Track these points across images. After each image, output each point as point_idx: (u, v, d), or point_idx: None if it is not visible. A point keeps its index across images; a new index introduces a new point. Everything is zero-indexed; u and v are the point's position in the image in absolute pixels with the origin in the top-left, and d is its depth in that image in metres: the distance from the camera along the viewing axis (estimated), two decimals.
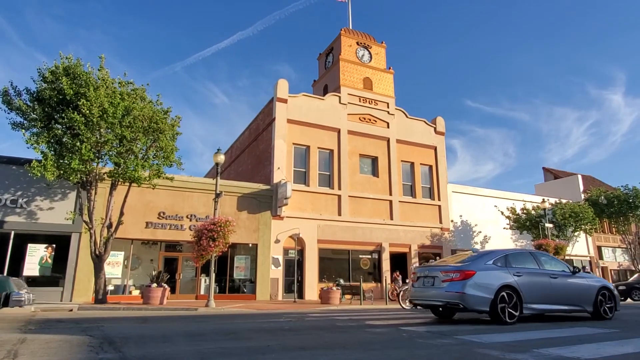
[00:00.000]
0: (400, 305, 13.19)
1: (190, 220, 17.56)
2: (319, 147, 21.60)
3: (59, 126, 13.22)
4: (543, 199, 25.07)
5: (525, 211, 25.31)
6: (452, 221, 24.44)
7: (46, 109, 13.08)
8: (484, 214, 26.03)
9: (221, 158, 16.04)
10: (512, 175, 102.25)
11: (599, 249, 31.67)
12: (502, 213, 25.90)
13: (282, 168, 20.07)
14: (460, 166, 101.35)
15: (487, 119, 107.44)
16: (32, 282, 14.94)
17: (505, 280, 7.32)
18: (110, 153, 13.84)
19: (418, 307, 8.34)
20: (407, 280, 19.71)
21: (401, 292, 13.66)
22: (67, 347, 4.43)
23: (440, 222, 23.87)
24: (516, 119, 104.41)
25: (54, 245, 15.46)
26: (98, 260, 13.83)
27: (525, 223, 24.95)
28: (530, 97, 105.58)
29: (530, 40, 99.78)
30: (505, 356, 4.03)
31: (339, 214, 21.05)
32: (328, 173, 21.66)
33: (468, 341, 5.07)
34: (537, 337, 5.63)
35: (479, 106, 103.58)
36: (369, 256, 21.66)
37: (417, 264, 22.33)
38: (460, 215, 25.09)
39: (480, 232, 25.62)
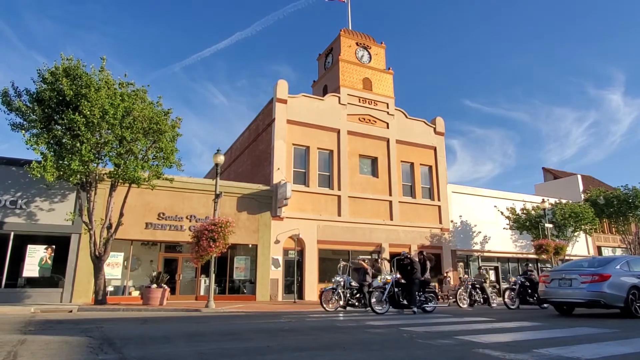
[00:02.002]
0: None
1: (190, 221, 17.56)
2: (318, 148, 21.61)
3: (59, 127, 13.21)
4: (543, 199, 25.08)
5: (525, 211, 25.31)
6: (451, 221, 24.44)
7: (46, 110, 13.08)
8: (484, 215, 26.03)
9: (221, 159, 16.03)
10: (511, 176, 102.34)
11: (598, 249, 31.67)
12: (502, 213, 25.90)
13: (282, 169, 20.07)
14: (460, 166, 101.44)
15: (487, 119, 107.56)
16: (31, 283, 14.97)
17: (632, 281, 8.83)
18: (110, 154, 13.83)
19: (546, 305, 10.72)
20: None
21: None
22: (66, 348, 4.43)
23: (440, 223, 23.87)
24: (515, 119, 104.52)
25: (54, 246, 15.45)
26: (98, 261, 13.83)
27: (525, 223, 24.95)
28: (529, 98, 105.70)
29: (529, 40, 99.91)
30: (506, 356, 4.03)
31: (339, 215, 21.05)
32: (328, 173, 21.66)
33: (468, 341, 5.08)
34: (537, 337, 5.64)
35: (478, 106, 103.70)
36: (369, 257, 21.63)
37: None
38: (460, 216, 25.09)
39: (480, 232, 25.62)
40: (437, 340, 5.23)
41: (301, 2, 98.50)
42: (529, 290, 13.97)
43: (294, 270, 19.34)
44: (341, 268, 14.44)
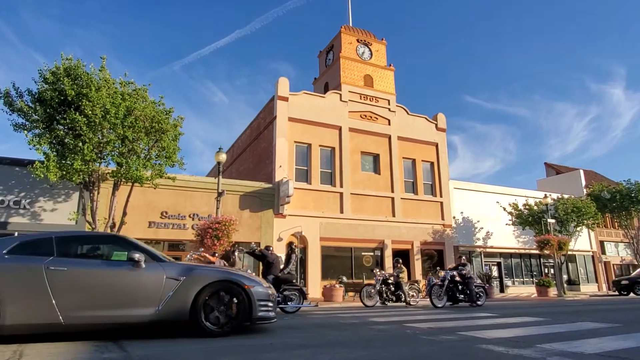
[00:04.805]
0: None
1: (193, 219, 17.61)
2: (320, 145, 21.61)
3: (61, 127, 13.24)
4: (545, 195, 25.01)
5: (527, 207, 25.27)
6: (454, 217, 24.43)
7: (48, 110, 13.11)
8: (486, 210, 26.01)
9: (223, 157, 16.07)
10: (513, 171, 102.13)
11: (601, 243, 31.62)
12: (504, 209, 25.86)
13: (284, 166, 20.08)
14: (461, 162, 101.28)
15: (487, 115, 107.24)
16: None
17: None
18: (113, 153, 13.86)
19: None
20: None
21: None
22: (72, 347, 4.46)
23: (442, 219, 23.87)
24: (516, 115, 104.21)
25: None
26: None
27: (527, 219, 24.92)
28: (529, 93, 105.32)
29: (529, 36, 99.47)
30: (509, 352, 4.05)
31: (341, 212, 21.07)
32: (330, 171, 21.67)
33: (471, 337, 5.09)
34: (540, 332, 5.65)
35: (479, 102, 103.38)
36: (372, 253, 21.68)
37: (421, 261, 22.36)
38: (462, 212, 25.08)
39: (482, 228, 25.61)
40: (440, 336, 5.25)
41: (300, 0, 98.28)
42: (460, 287, 12.74)
43: (296, 267, 19.36)
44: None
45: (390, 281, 13.79)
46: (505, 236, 26.42)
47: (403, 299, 13.55)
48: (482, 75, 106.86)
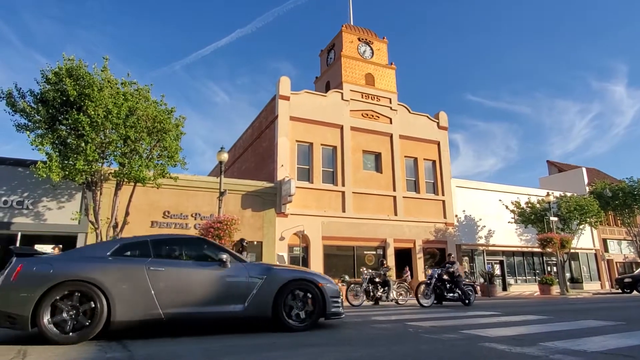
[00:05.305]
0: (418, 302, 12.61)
1: (195, 219, 17.64)
2: (322, 144, 21.60)
3: (64, 127, 13.27)
4: (547, 193, 24.96)
5: (529, 205, 25.22)
6: (456, 216, 24.40)
7: (50, 111, 13.14)
8: (488, 209, 25.96)
9: (224, 156, 16.08)
10: (514, 169, 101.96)
11: (604, 241, 31.54)
12: (507, 207, 25.82)
13: (286, 165, 20.09)
14: (463, 161, 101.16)
15: (489, 113, 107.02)
16: None
17: None
18: (115, 153, 13.90)
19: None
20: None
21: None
22: (75, 347, 4.48)
23: (445, 217, 23.84)
24: (518, 113, 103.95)
25: (61, 246, 15.51)
26: None
27: (530, 217, 24.88)
28: (531, 91, 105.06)
29: (531, 33, 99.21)
30: (512, 350, 4.04)
31: (343, 211, 21.06)
32: (332, 170, 21.67)
33: (474, 335, 5.09)
34: (543, 330, 5.64)
35: (480, 100, 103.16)
36: (374, 252, 21.68)
37: (423, 260, 22.35)
38: (464, 210, 25.05)
39: (484, 226, 25.57)
40: (442, 334, 5.25)
41: None
42: (448, 285, 12.36)
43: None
44: None
45: (377, 280, 13.73)
46: (507, 234, 26.38)
47: (390, 298, 13.49)
48: (483, 73, 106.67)
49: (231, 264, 5.56)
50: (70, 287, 4.72)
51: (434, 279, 12.28)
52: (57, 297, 4.64)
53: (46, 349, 4.36)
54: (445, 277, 12.46)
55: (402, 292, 14.23)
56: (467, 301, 12.14)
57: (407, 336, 5.22)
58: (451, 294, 12.28)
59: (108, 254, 5.22)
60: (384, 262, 16.12)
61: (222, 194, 15.35)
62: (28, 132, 13.17)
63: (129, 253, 5.35)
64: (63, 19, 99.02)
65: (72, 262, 4.97)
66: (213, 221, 14.09)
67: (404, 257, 22.28)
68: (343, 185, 21.41)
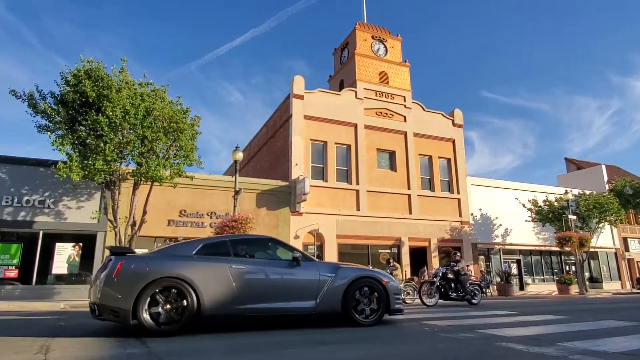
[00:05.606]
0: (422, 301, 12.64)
1: (211, 217, 17.82)
2: (336, 143, 21.60)
3: (83, 128, 13.55)
4: (566, 190, 24.52)
5: (547, 203, 24.81)
6: (471, 214, 24.15)
7: (70, 112, 13.42)
8: (505, 207, 25.62)
9: (239, 155, 16.21)
10: (531, 167, 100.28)
11: (624, 240, 30.84)
12: (524, 205, 25.44)
13: (300, 164, 20.15)
14: (479, 159, 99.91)
15: (505, 110, 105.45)
16: (60, 279, 15.48)
17: None
18: (133, 153, 14.13)
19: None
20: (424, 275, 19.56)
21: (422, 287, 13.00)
22: (96, 342, 4.58)
23: (460, 216, 23.62)
24: (535, 110, 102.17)
25: (81, 244, 15.91)
26: None
27: (547, 215, 24.47)
28: (549, 87, 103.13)
29: (548, 29, 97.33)
30: (530, 350, 4.00)
31: (358, 209, 21.04)
32: (346, 168, 21.66)
33: (491, 335, 5.05)
34: (561, 330, 5.57)
35: (496, 97, 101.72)
36: (389, 251, 21.60)
37: (438, 258, 22.19)
38: (480, 209, 24.77)
39: (501, 225, 25.25)
40: (459, 333, 5.22)
41: None
42: (452, 284, 12.09)
43: None
44: None
45: None
46: (524, 233, 26.00)
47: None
48: (499, 70, 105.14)
49: (302, 262, 5.87)
50: (165, 284, 5.05)
51: (438, 278, 12.10)
52: (154, 292, 4.98)
53: (69, 344, 4.47)
54: (450, 275, 12.26)
55: (409, 291, 14.17)
56: (472, 301, 11.91)
57: (424, 335, 5.21)
58: (456, 294, 12.05)
59: (193, 252, 5.55)
60: (390, 260, 15.98)
61: (237, 192, 15.48)
62: (49, 133, 13.48)
63: (210, 252, 5.66)
64: (81, 21, 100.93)
65: (164, 260, 5.33)
66: (228, 220, 14.22)
67: (419, 256, 22.15)
68: (357, 183, 21.38)
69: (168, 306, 5.04)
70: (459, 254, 13.91)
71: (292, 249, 6.17)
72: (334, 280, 5.85)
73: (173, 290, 5.08)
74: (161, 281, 5.04)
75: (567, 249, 22.30)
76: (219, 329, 5.59)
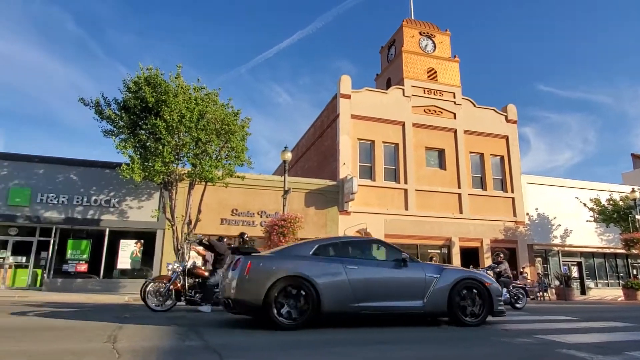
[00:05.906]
0: None
1: (261, 216, 18.30)
2: (383, 142, 21.44)
3: (143, 132, 14.42)
4: (633, 189, 22.79)
5: (611, 202, 23.20)
6: (527, 214, 23.08)
7: (132, 117, 14.32)
8: (564, 206, 24.24)
9: (288, 155, 16.52)
10: (593, 163, 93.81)
11: None
12: (585, 205, 23.95)
13: (348, 163, 20.20)
14: (535, 155, 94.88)
15: (563, 103, 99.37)
16: (125, 274, 16.61)
17: None
18: (188, 155, 14.84)
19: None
20: None
21: None
22: (157, 334, 4.90)
23: (515, 216, 22.66)
24: (596, 102, 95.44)
25: (142, 241, 16.93)
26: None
27: (612, 215, 22.86)
28: (611, 78, 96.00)
29: (609, 15, 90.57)
30: (594, 358, 3.83)
31: (406, 209, 20.77)
32: (393, 167, 21.44)
33: (550, 341, 4.87)
34: (629, 338, 5.26)
35: (552, 90, 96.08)
36: (439, 251, 21.16)
37: (491, 259, 21.43)
38: (537, 208, 23.60)
39: (559, 225, 23.93)
40: (515, 338, 5.07)
41: None
42: None
43: None
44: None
45: None
46: (586, 234, 24.48)
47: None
48: (555, 61, 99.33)
49: (409, 262, 6.07)
50: (289, 281, 5.40)
51: None
52: (280, 289, 5.33)
53: (133, 334, 4.82)
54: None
55: None
56: (516, 304, 11.45)
57: (478, 338, 5.11)
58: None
59: (310, 253, 5.85)
60: (500, 255, 15.20)
61: (286, 192, 15.79)
62: (113, 137, 14.47)
63: (325, 253, 5.93)
64: (140, 31, 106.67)
65: (286, 259, 5.70)
66: (278, 219, 14.54)
67: (471, 257, 21.50)
68: (405, 182, 21.11)
69: (292, 302, 5.37)
70: (502, 255, 13.20)
71: (398, 250, 6.33)
72: (439, 280, 5.98)
73: (297, 288, 5.39)
74: (286, 279, 5.38)
75: (635, 251, 20.74)
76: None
